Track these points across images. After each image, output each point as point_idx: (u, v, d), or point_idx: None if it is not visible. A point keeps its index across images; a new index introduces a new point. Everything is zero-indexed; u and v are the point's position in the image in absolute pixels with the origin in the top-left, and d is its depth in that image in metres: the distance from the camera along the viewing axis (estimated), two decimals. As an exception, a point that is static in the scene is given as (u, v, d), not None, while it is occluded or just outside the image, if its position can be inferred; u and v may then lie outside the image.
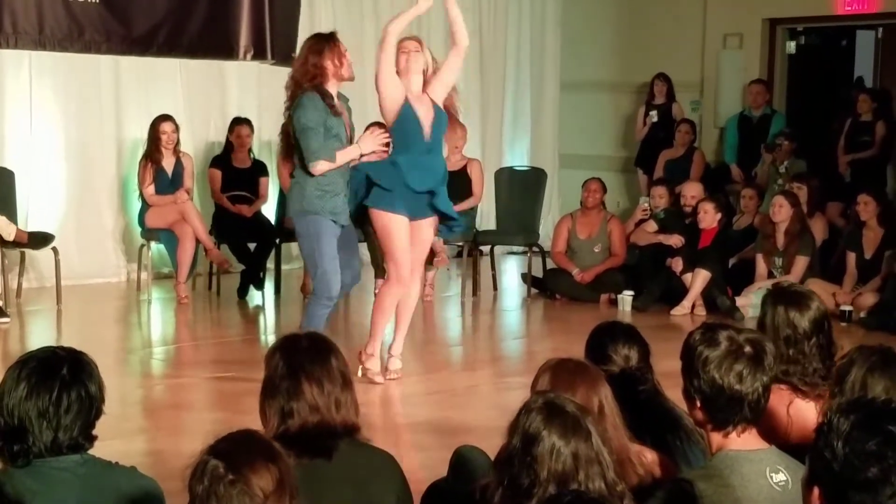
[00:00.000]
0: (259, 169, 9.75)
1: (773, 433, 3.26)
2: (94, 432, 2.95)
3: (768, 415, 3.12)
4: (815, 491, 2.00)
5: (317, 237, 6.33)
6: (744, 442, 2.90)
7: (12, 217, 8.67)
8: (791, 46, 12.29)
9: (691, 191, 9.63)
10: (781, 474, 2.86)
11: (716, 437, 2.94)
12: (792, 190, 9.47)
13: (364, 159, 6.42)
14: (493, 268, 10.30)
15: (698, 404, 2.95)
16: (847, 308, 8.55)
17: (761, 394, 2.90)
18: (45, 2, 9.34)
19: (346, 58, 6.41)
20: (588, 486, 2.52)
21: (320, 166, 6.27)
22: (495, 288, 10.14)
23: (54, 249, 8.74)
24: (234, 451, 2.35)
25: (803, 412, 3.56)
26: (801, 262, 8.91)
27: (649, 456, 3.22)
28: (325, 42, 6.42)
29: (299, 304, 9.15)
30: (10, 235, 8.25)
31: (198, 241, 9.10)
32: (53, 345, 3.06)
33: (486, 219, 11.28)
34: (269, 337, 8.32)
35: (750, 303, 8.73)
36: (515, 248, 11.49)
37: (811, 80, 12.40)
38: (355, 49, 11.29)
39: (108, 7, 9.64)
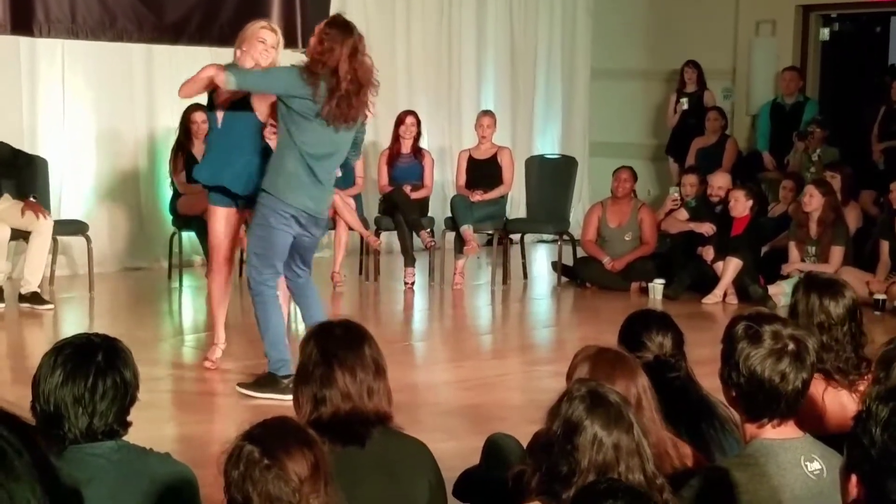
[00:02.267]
0: (290, 157, 9.77)
1: (808, 421, 3.24)
2: (129, 418, 2.97)
3: (803, 403, 3.10)
4: (853, 478, 1.98)
5: None
6: (778, 432, 2.88)
7: (45, 204, 8.73)
8: (824, 33, 12.19)
9: (719, 181, 9.54)
10: (816, 463, 2.84)
11: (750, 428, 2.92)
12: (825, 178, 9.41)
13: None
14: (523, 256, 10.28)
15: (734, 394, 2.93)
16: (881, 297, 8.49)
17: (800, 390, 2.87)
18: (78, -10, 9.40)
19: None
20: (628, 477, 2.51)
21: None
22: (525, 276, 10.13)
23: (87, 237, 8.80)
24: (269, 436, 2.36)
25: (836, 400, 3.55)
26: (837, 252, 8.83)
27: (682, 449, 3.21)
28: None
29: (329, 291, 9.18)
30: None
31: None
32: (87, 332, 3.08)
33: (517, 207, 11.28)
34: (299, 325, 8.33)
35: (782, 291, 8.68)
36: (546, 237, 11.47)
37: (845, 67, 12.31)
38: (387, 38, 11.36)
39: (140, -5, 9.69)
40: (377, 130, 10.61)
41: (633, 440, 2.54)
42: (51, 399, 2.88)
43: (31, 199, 8.36)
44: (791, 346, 2.86)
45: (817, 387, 3.51)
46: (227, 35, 10.22)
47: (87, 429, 2.88)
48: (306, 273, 6.22)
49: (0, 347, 7.50)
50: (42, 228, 8.25)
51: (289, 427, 2.43)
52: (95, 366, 2.90)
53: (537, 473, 2.58)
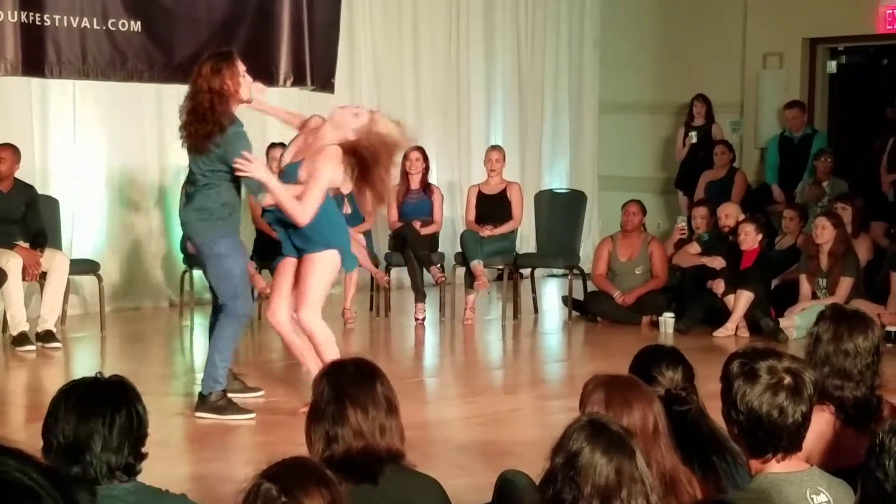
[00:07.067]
0: (300, 194, 9.79)
1: (820, 456, 3.23)
2: (144, 450, 2.97)
3: (811, 435, 3.09)
4: (868, 513, 1.98)
5: (235, 256, 6.41)
6: (783, 466, 2.87)
7: (57, 244, 8.76)
8: (832, 66, 12.23)
9: (727, 210, 9.62)
10: (823, 495, 2.82)
11: (755, 463, 2.92)
12: (836, 210, 9.41)
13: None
14: (533, 290, 10.28)
15: (736, 431, 2.93)
16: (893, 329, 8.48)
17: (801, 424, 2.86)
18: (88, 31, 9.45)
19: (246, 78, 6.16)
20: (631, 503, 2.50)
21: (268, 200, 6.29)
22: (536, 311, 10.12)
23: (98, 276, 8.83)
24: (287, 475, 2.37)
25: (848, 434, 3.53)
26: (845, 284, 8.83)
27: (693, 483, 3.20)
28: (224, 61, 6.09)
29: (340, 328, 9.18)
30: None
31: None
32: (96, 372, 3.09)
33: (527, 242, 11.29)
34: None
35: (794, 324, 8.67)
36: (556, 271, 11.47)
37: (853, 99, 12.33)
38: (395, 74, 11.42)
39: (150, 35, 9.74)
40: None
41: (635, 467, 2.54)
42: (66, 439, 2.89)
43: (38, 250, 8.34)
44: (788, 380, 2.85)
45: (826, 420, 3.50)
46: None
47: (105, 466, 2.88)
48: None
49: (13, 387, 7.50)
50: (57, 267, 8.29)
51: (307, 466, 2.44)
52: (107, 403, 2.91)
53: None
